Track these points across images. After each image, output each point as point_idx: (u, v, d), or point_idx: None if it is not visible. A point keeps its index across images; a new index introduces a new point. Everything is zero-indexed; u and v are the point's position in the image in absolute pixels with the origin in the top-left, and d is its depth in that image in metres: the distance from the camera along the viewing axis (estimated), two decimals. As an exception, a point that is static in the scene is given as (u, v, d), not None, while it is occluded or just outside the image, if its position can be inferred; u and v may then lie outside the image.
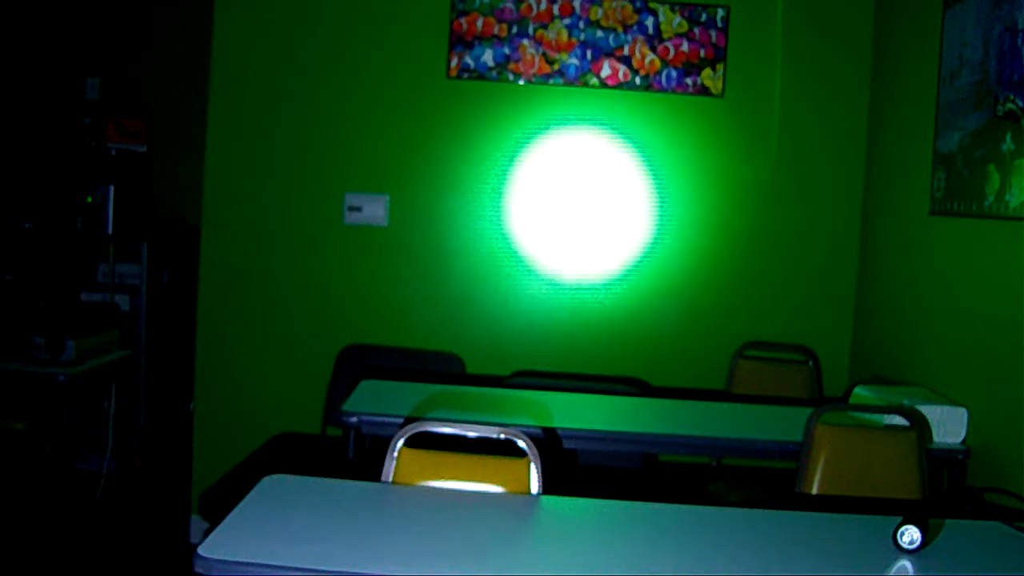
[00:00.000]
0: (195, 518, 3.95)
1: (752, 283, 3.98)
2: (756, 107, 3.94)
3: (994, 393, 2.77)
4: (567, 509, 2.01)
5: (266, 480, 2.02)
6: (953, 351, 3.07)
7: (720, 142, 3.95)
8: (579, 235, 3.96)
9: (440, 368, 3.86)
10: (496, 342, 3.96)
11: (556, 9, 3.88)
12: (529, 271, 3.96)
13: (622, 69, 3.90)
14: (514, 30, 3.88)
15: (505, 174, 3.95)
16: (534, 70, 3.89)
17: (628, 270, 3.97)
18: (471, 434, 2.16)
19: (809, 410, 2.76)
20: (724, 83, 3.92)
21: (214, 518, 3.81)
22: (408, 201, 3.95)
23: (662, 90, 3.91)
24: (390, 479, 2.10)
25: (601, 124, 3.93)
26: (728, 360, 3.79)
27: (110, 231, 4.36)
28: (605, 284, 3.97)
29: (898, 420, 2.77)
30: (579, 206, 3.95)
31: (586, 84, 3.90)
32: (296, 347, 3.96)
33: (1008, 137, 2.73)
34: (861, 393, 3.11)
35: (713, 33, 3.90)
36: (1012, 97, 2.71)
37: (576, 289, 3.97)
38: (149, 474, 4.53)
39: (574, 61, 3.89)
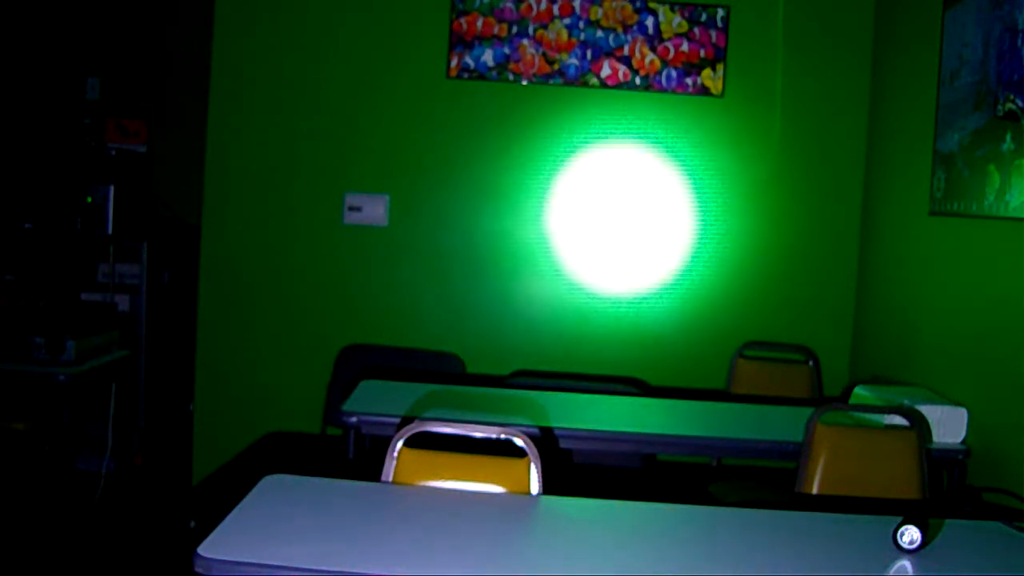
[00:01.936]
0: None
1: (752, 283, 3.98)
2: (756, 107, 3.94)
3: (994, 393, 2.77)
4: (567, 509, 2.01)
5: (266, 480, 2.02)
6: (953, 351, 3.07)
7: (720, 142, 3.95)
8: (579, 235, 3.96)
9: (440, 368, 3.86)
10: (496, 342, 3.96)
11: (556, 9, 3.88)
12: (529, 271, 3.96)
13: (622, 69, 3.90)
14: (514, 30, 3.88)
15: (505, 174, 3.94)
16: (534, 70, 3.89)
17: (628, 270, 3.97)
18: (471, 434, 2.16)
19: (809, 410, 2.76)
20: (724, 83, 3.92)
21: (202, 515, 3.82)
22: (408, 201, 3.95)
23: (662, 90, 3.91)
24: (390, 479, 2.10)
25: (601, 124, 3.93)
26: (728, 360, 3.78)
27: (110, 231, 4.36)
28: (605, 283, 3.97)
29: (898, 420, 2.77)
30: (579, 206, 3.95)
31: (586, 84, 3.90)
32: (296, 347, 3.96)
33: (1008, 137, 2.73)
34: (861, 393, 3.11)
35: (713, 33, 3.90)
36: (1012, 97, 2.71)
37: (575, 289, 3.97)
38: (149, 474, 4.53)
39: (574, 61, 3.89)
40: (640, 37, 3.89)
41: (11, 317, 3.79)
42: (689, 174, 3.95)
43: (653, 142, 3.94)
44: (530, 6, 3.88)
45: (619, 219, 3.96)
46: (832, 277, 4.00)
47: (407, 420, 2.62)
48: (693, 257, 3.96)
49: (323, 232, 3.95)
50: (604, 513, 2.00)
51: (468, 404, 3.00)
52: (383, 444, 2.18)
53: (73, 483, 4.06)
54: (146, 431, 4.54)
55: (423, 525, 1.83)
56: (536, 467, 2.09)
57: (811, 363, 3.81)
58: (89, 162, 4.67)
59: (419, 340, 3.96)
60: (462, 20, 3.88)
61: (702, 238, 3.96)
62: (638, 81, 3.90)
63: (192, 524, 3.91)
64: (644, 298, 3.97)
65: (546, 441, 2.74)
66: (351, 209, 3.94)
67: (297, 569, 1.57)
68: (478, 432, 2.15)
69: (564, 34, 3.89)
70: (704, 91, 3.92)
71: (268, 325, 3.97)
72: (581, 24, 3.89)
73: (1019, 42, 2.70)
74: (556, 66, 3.90)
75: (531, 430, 2.72)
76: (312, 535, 1.73)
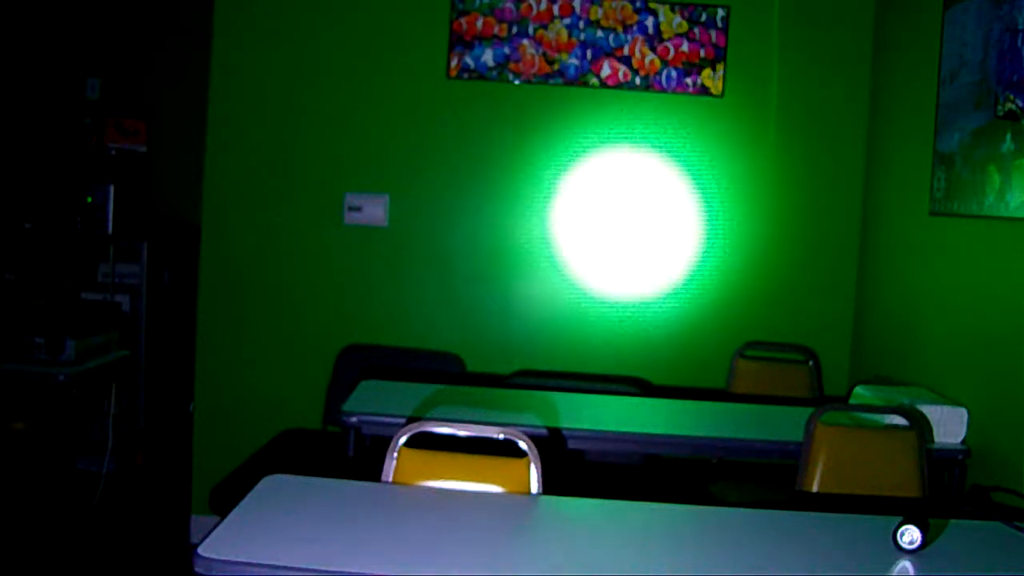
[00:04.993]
0: (195, 518, 3.95)
1: (752, 283, 3.98)
2: (756, 107, 3.94)
3: (994, 393, 2.77)
4: (567, 509, 2.01)
5: (266, 480, 2.02)
6: (953, 351, 3.07)
7: (720, 142, 3.95)
8: (578, 235, 3.96)
9: (440, 368, 3.86)
10: (497, 342, 3.96)
11: (556, 9, 3.88)
12: (530, 271, 3.96)
13: (622, 69, 3.90)
14: (514, 30, 3.88)
15: (505, 174, 3.94)
16: (534, 70, 3.89)
17: (628, 270, 3.97)
18: (472, 434, 2.16)
19: (809, 410, 2.76)
20: (724, 83, 3.92)
21: (222, 513, 3.82)
22: (408, 201, 3.95)
23: (662, 90, 3.91)
24: (390, 479, 2.10)
25: (601, 124, 3.93)
26: (728, 360, 3.78)
27: (110, 231, 4.36)
28: (605, 283, 3.97)
29: (898, 420, 2.77)
30: (579, 207, 3.95)
31: (586, 84, 3.90)
32: (296, 347, 3.96)
33: (1008, 137, 2.73)
34: (861, 393, 3.11)
35: (713, 33, 3.90)
36: (1012, 97, 2.71)
37: (576, 289, 3.97)
38: (149, 474, 4.53)
39: (574, 61, 3.89)
40: (640, 37, 3.89)
41: (11, 317, 3.79)
42: (689, 174, 3.95)
43: (653, 142, 3.94)
44: (530, 6, 3.88)
45: (619, 219, 3.96)
46: (832, 277, 4.00)
47: (409, 420, 2.62)
48: (693, 257, 3.96)
49: (323, 232, 3.95)
50: (604, 513, 2.00)
51: (469, 404, 3.00)
52: (384, 444, 2.18)
53: (73, 483, 4.06)
54: (146, 431, 4.55)
55: (423, 525, 1.83)
56: (536, 467, 2.09)
57: (811, 363, 3.81)
58: (89, 162, 4.67)
59: (420, 340, 3.96)
60: (462, 20, 3.88)
61: (702, 238, 3.96)
62: (638, 81, 3.90)
63: (195, 532, 3.91)
64: (644, 298, 3.97)
65: (546, 441, 2.74)
66: (351, 209, 3.94)
67: (297, 569, 1.57)
68: (478, 432, 2.15)
69: (564, 34, 3.89)
70: (704, 91, 3.92)
71: (268, 325, 3.97)
72: (581, 24, 3.89)
73: (1019, 42, 2.70)
74: (556, 66, 3.90)
75: (532, 430, 2.72)
76: (312, 535, 1.73)
